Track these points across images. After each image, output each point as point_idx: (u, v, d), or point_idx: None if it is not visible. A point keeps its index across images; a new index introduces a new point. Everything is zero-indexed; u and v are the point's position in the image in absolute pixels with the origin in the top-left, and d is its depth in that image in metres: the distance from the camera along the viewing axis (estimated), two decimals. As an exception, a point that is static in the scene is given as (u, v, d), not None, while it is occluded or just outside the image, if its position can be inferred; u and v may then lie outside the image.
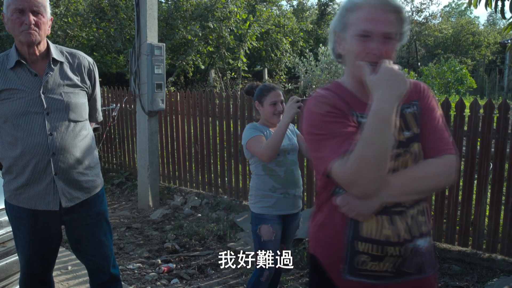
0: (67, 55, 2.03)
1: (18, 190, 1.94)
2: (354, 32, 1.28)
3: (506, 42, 18.87)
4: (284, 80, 14.25)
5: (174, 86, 11.06)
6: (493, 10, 3.06)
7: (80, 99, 2.01)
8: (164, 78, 4.85)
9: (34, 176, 1.91)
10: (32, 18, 1.84)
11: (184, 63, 10.01)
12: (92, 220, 2.08)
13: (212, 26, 9.76)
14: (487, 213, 3.50)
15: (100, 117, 2.28)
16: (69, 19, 9.73)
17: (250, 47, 11.70)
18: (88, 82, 2.07)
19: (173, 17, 9.96)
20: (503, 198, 3.37)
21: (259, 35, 12.17)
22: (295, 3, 18.82)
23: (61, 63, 1.98)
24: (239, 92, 5.60)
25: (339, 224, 1.32)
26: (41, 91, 1.90)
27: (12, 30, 1.87)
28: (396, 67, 1.24)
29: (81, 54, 2.09)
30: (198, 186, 5.18)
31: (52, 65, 1.94)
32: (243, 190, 4.72)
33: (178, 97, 5.24)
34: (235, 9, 10.34)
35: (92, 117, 2.19)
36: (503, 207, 3.39)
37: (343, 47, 1.34)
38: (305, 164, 4.26)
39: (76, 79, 2.01)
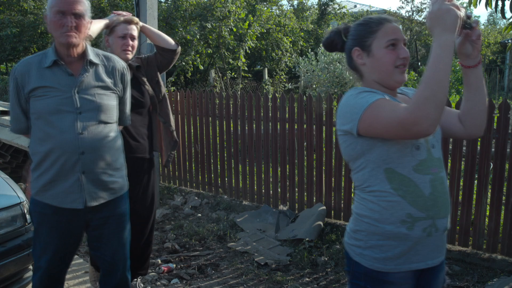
0: (103, 58, 2.08)
1: (45, 186, 1.97)
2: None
3: (506, 42, 18.87)
4: (284, 80, 14.24)
5: (174, 86, 11.06)
6: (493, 9, 3.05)
7: (111, 101, 2.06)
8: (164, 78, 4.85)
9: (62, 173, 1.94)
10: (73, 20, 1.87)
11: (184, 63, 10.00)
12: (115, 221, 2.11)
13: (210, 26, 9.75)
14: (488, 213, 3.50)
15: (128, 121, 2.30)
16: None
17: (250, 47, 11.69)
18: (120, 85, 2.12)
19: (173, 17, 9.95)
20: (504, 198, 3.37)
21: (259, 35, 12.16)
22: (295, 2, 18.79)
23: (97, 65, 2.03)
24: (239, 92, 5.60)
25: None
26: (75, 91, 1.94)
27: (53, 31, 1.91)
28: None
29: (115, 57, 2.15)
30: (198, 186, 5.18)
31: (88, 67, 1.99)
32: (243, 190, 4.72)
33: (178, 97, 5.23)
34: (234, 9, 10.34)
35: (120, 120, 2.21)
36: (503, 207, 3.38)
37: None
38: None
39: (109, 81, 2.05)
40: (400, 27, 1.42)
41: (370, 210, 1.39)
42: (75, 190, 1.96)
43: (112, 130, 2.07)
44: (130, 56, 2.73)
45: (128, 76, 2.18)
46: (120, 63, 2.14)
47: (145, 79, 2.90)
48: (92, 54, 2.02)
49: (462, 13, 1.28)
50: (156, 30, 3.08)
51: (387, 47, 1.39)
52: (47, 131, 1.92)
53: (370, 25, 1.43)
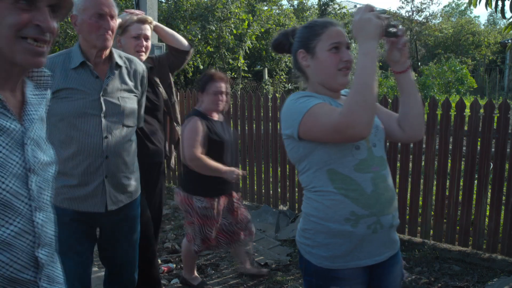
0: (125, 60, 2.04)
1: (61, 189, 1.89)
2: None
3: (506, 41, 18.87)
4: (284, 80, 14.24)
5: (174, 86, 11.05)
6: (493, 9, 3.06)
7: (133, 105, 2.04)
8: (164, 78, 4.84)
9: (85, 177, 1.89)
10: (110, 23, 1.85)
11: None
12: (128, 223, 2.10)
13: (213, 28, 9.76)
14: (488, 213, 3.50)
15: (142, 123, 2.29)
16: (69, 19, 9.72)
17: (250, 47, 11.69)
18: (140, 88, 2.09)
19: (173, 17, 9.95)
20: (503, 198, 3.37)
21: (259, 35, 12.16)
22: (295, 2, 18.79)
23: (121, 67, 1.99)
24: (239, 92, 5.60)
25: None
26: (100, 94, 1.90)
27: (88, 33, 1.85)
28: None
29: (136, 60, 2.12)
30: (198, 186, 5.17)
31: (114, 69, 1.94)
32: (243, 190, 4.72)
33: (178, 97, 5.23)
34: (236, 10, 10.34)
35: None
36: (503, 207, 3.38)
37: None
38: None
39: (131, 84, 2.03)
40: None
41: (316, 209, 1.44)
42: (97, 194, 1.92)
43: (133, 134, 2.06)
44: (143, 57, 2.63)
45: (146, 79, 2.16)
46: (142, 66, 2.11)
47: (158, 81, 2.80)
48: (117, 57, 1.98)
49: (384, 22, 1.34)
50: (170, 30, 2.92)
51: (330, 50, 1.43)
52: (71, 134, 1.86)
53: (315, 28, 1.47)
